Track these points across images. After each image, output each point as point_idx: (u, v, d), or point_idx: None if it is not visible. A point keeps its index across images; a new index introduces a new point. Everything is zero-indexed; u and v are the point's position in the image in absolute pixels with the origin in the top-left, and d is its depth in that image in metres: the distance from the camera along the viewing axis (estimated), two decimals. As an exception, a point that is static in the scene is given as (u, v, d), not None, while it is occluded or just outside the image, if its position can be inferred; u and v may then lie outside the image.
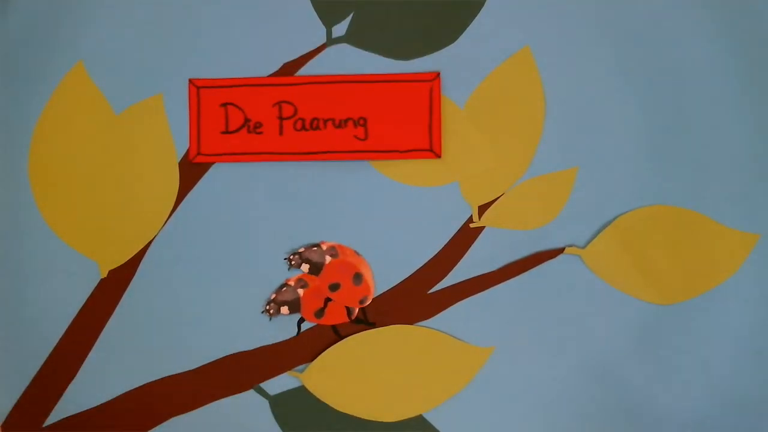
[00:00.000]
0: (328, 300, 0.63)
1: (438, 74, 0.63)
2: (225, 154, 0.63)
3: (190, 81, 0.63)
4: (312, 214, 0.63)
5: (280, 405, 0.63)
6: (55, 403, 0.63)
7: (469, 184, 0.63)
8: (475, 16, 0.64)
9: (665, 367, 0.63)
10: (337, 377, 0.63)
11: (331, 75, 0.63)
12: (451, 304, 0.63)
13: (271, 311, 0.62)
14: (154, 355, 0.63)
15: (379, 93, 0.63)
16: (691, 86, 0.64)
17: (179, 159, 0.63)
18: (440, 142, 0.63)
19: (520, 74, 0.64)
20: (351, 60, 0.63)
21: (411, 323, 0.63)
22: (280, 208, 0.63)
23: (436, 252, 0.63)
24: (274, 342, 0.63)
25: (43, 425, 0.62)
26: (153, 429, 0.63)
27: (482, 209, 0.64)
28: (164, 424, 0.63)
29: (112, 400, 0.62)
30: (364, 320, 0.63)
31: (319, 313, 0.63)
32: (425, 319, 0.63)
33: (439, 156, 0.63)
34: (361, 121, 0.62)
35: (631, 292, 0.63)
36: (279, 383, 0.63)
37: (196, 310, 0.63)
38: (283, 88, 0.62)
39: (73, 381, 0.63)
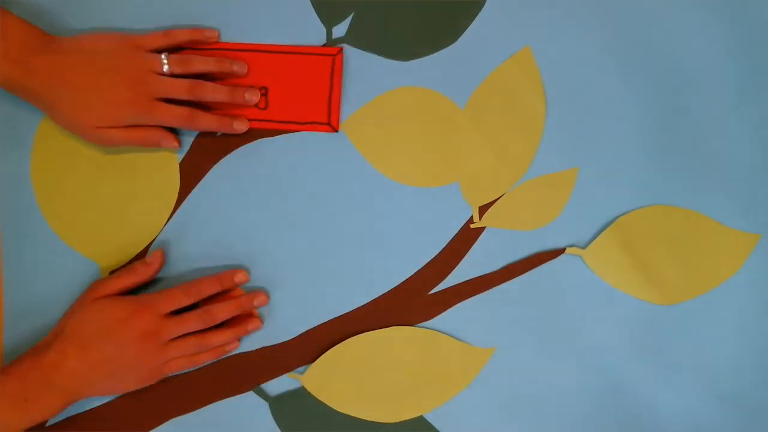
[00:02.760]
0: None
1: (341, 49, 0.63)
2: None
3: None
4: (313, 215, 0.63)
5: (280, 406, 0.63)
6: (57, 404, 0.63)
7: (470, 185, 0.63)
8: (476, 16, 0.64)
9: (666, 366, 0.63)
10: (337, 379, 0.63)
11: (234, 43, 0.63)
12: (452, 305, 0.63)
13: None
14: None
15: (282, 64, 0.63)
16: (691, 87, 0.64)
17: (180, 160, 0.63)
18: (338, 116, 0.63)
19: (520, 74, 0.64)
20: (351, 60, 0.63)
21: (412, 324, 0.63)
22: (280, 209, 0.63)
23: (436, 253, 0.63)
24: (274, 343, 0.63)
25: (46, 425, 0.62)
26: (153, 429, 0.63)
27: (483, 210, 0.64)
28: (164, 424, 0.63)
29: (113, 400, 0.62)
30: None
31: None
32: (426, 319, 0.63)
33: (336, 130, 0.63)
34: (263, 91, 0.63)
35: (632, 293, 0.63)
36: (279, 385, 0.63)
37: (196, 310, 0.63)
38: (187, 53, 0.62)
39: (75, 382, 0.63)
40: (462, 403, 0.63)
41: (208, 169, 0.63)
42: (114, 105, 0.58)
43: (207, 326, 0.59)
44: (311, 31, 0.63)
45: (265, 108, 0.63)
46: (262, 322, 0.62)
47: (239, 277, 0.62)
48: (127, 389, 0.60)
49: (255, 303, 0.62)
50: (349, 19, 0.64)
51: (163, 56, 0.59)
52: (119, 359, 0.57)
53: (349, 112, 0.63)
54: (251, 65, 0.62)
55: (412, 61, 0.64)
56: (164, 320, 0.58)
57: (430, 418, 0.63)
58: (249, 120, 0.62)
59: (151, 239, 0.63)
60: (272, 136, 0.63)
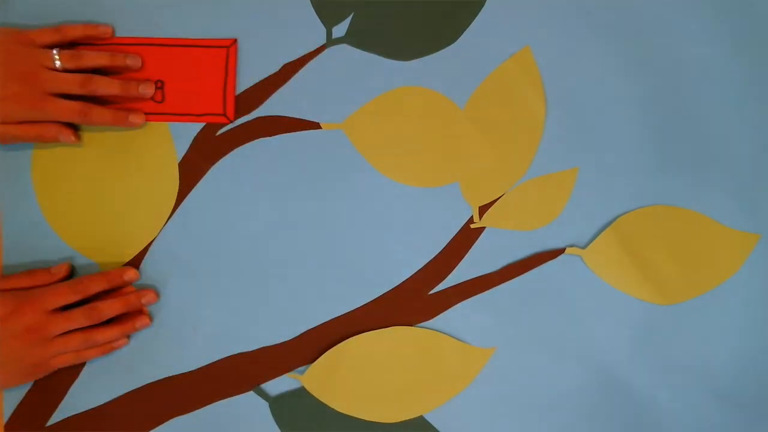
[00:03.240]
0: None
1: (235, 41, 0.63)
2: None
3: None
4: (312, 215, 0.63)
5: (280, 406, 0.63)
6: (58, 404, 0.63)
7: (470, 185, 0.63)
8: (475, 16, 0.64)
9: (665, 366, 0.63)
10: (337, 379, 0.63)
11: (129, 38, 0.63)
12: (452, 305, 0.63)
13: None
14: (154, 355, 0.63)
15: (177, 57, 0.63)
16: (691, 87, 0.64)
17: (179, 159, 0.63)
18: (234, 106, 0.63)
19: (520, 74, 0.64)
20: (351, 60, 0.63)
21: (412, 324, 0.63)
22: (280, 209, 0.63)
23: (436, 253, 0.63)
24: (275, 343, 0.63)
25: (46, 425, 0.62)
26: (153, 429, 0.63)
27: (483, 210, 0.64)
28: (164, 424, 0.63)
29: (113, 400, 0.62)
30: None
31: None
32: (426, 319, 0.63)
33: (231, 120, 0.63)
34: (159, 84, 0.63)
35: (631, 293, 0.63)
36: (279, 385, 0.63)
37: (196, 310, 0.63)
38: (81, 48, 0.62)
39: (76, 382, 0.63)
40: (462, 403, 0.63)
41: (208, 169, 0.63)
42: (4, 101, 0.57)
43: (93, 323, 0.59)
44: (311, 31, 0.63)
45: (162, 101, 0.63)
46: (151, 319, 0.62)
47: (129, 275, 0.62)
48: (12, 384, 0.60)
49: (143, 301, 0.62)
50: (348, 19, 0.64)
51: (54, 51, 0.59)
52: (3, 354, 0.57)
53: (349, 112, 0.63)
54: (147, 59, 0.63)
55: (412, 61, 0.64)
56: (49, 316, 0.58)
57: (430, 418, 0.63)
58: (146, 113, 0.62)
59: (151, 239, 0.63)
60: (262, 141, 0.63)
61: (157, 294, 0.62)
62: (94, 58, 0.60)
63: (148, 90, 0.61)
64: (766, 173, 0.64)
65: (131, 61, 0.61)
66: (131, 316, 0.62)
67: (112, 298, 0.60)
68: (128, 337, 0.62)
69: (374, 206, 0.63)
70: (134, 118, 0.61)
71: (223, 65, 0.63)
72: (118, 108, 0.61)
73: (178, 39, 0.63)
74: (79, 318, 0.59)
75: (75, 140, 0.61)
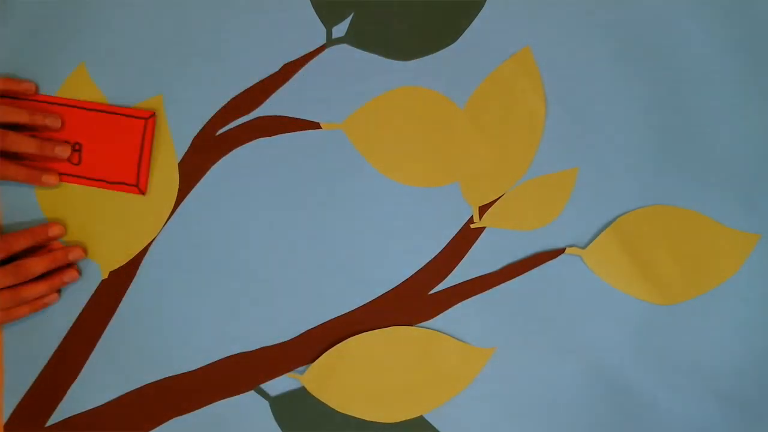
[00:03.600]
0: None
1: (153, 113, 0.63)
2: None
3: None
4: (312, 215, 0.63)
5: (280, 406, 0.63)
6: (58, 404, 0.63)
7: (470, 185, 0.63)
8: (476, 16, 0.64)
9: (665, 366, 0.63)
10: (337, 379, 0.63)
11: (51, 96, 0.63)
12: (452, 305, 0.63)
13: None
14: (154, 355, 0.63)
15: (96, 122, 0.63)
16: (692, 87, 0.63)
17: (179, 159, 0.63)
18: (147, 179, 0.63)
19: (520, 74, 0.64)
20: (351, 60, 0.63)
21: (412, 324, 0.63)
22: (280, 209, 0.63)
23: (436, 253, 0.63)
24: (275, 343, 0.63)
25: (46, 425, 0.62)
26: (153, 429, 0.63)
27: (483, 210, 0.64)
28: (164, 424, 0.63)
29: (113, 400, 0.62)
30: None
31: None
32: (426, 320, 0.63)
33: (143, 193, 0.63)
34: (77, 146, 0.62)
35: (631, 293, 0.63)
36: (279, 385, 0.63)
37: (196, 310, 0.63)
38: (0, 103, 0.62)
39: (75, 382, 0.63)
40: (462, 403, 0.63)
41: (208, 169, 0.63)
42: None
43: (20, 281, 0.59)
44: (311, 31, 0.63)
45: (78, 163, 0.62)
46: (79, 273, 0.62)
47: (53, 231, 0.61)
48: None
49: (71, 257, 0.61)
50: (349, 19, 0.64)
51: None
52: None
53: (349, 112, 0.63)
54: (68, 120, 0.62)
55: (412, 61, 0.64)
56: None
57: (430, 418, 0.63)
58: (61, 174, 0.62)
59: (151, 239, 0.63)
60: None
61: (85, 251, 0.62)
62: (11, 113, 0.59)
63: (64, 152, 0.61)
64: (766, 173, 0.64)
65: (50, 122, 0.61)
66: (59, 272, 0.61)
67: (39, 255, 0.60)
68: (59, 292, 0.62)
69: (374, 206, 0.63)
70: (47, 178, 0.61)
71: (140, 136, 0.62)
72: (33, 166, 0.61)
73: (100, 104, 0.63)
74: (5, 276, 0.58)
75: None
